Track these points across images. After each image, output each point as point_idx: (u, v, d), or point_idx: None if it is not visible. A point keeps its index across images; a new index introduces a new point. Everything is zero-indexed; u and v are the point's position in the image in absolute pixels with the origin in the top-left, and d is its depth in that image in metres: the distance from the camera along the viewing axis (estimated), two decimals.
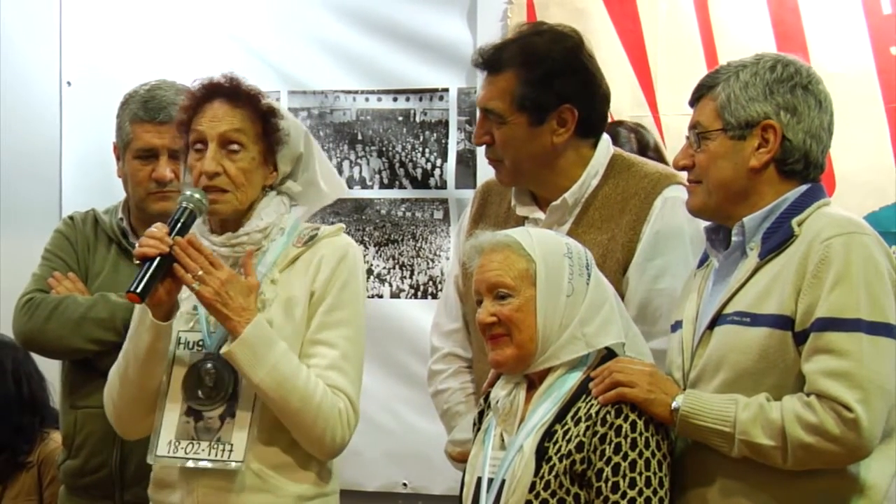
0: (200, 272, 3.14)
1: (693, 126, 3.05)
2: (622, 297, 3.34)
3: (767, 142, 2.98)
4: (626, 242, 3.36)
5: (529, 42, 3.40)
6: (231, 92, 3.26)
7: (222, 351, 3.17)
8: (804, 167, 3.00)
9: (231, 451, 3.18)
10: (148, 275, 3.13)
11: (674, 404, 2.92)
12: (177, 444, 3.22)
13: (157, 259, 3.13)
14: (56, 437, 4.48)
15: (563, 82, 3.36)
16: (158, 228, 3.18)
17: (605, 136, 3.49)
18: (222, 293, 3.14)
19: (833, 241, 2.86)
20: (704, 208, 3.05)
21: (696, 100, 3.07)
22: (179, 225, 3.18)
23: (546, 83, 3.35)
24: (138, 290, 3.12)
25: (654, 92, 4.65)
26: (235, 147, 3.23)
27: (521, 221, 3.45)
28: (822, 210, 2.96)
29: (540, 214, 3.45)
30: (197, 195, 3.21)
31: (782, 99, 2.98)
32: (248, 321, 3.14)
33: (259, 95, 3.28)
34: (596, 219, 3.39)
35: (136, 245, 3.19)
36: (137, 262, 3.16)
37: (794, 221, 2.94)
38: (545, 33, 3.43)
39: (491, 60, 3.41)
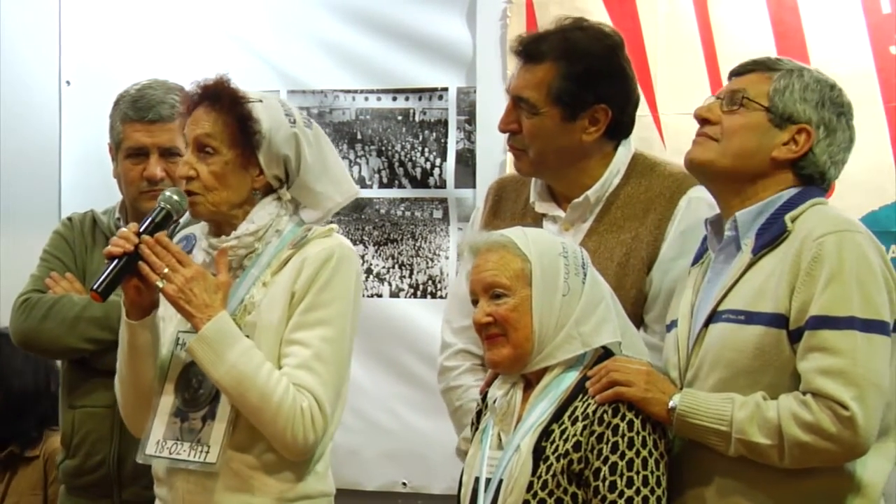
0: (166, 270, 3.15)
1: (735, 90, 3.04)
2: (645, 296, 3.34)
3: (797, 143, 3.00)
4: (650, 241, 3.35)
5: (572, 36, 3.38)
6: (212, 95, 3.26)
7: (186, 347, 3.18)
8: (815, 180, 3.02)
9: (207, 452, 3.19)
10: (111, 274, 3.14)
11: (670, 403, 2.93)
12: (163, 443, 3.24)
13: (123, 258, 3.14)
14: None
15: (601, 82, 3.35)
16: (129, 228, 3.20)
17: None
18: (185, 290, 3.14)
19: (826, 238, 2.87)
20: (708, 165, 3.04)
21: (745, 71, 3.08)
22: (153, 225, 3.19)
23: (585, 80, 3.33)
24: (99, 289, 3.13)
25: (653, 91, 4.64)
26: (208, 150, 3.24)
27: (539, 218, 3.45)
28: (815, 208, 2.97)
29: (559, 212, 3.44)
30: (175, 196, 3.22)
31: (828, 116, 3.02)
32: (210, 318, 3.14)
33: (240, 99, 3.27)
34: (619, 217, 3.39)
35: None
36: (106, 260, 3.17)
37: (788, 217, 2.95)
38: (588, 29, 3.42)
39: (530, 49, 3.38)
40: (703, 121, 3.07)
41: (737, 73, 3.10)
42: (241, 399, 3.15)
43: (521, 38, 3.44)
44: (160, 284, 3.15)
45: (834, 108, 3.03)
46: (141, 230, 3.18)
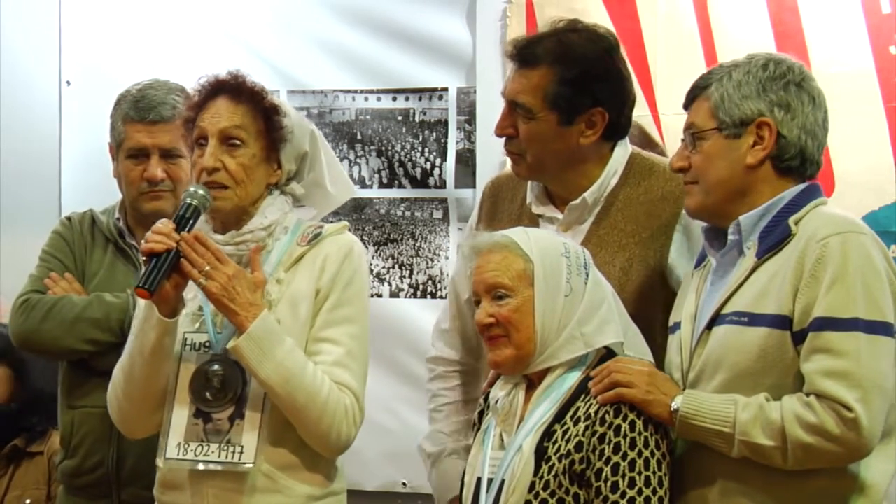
0: (207, 267, 3.14)
1: (688, 127, 3.06)
2: (650, 300, 3.32)
3: (763, 139, 2.98)
4: (657, 248, 3.33)
5: (566, 39, 3.35)
6: (234, 88, 3.26)
7: (229, 346, 3.16)
8: (801, 163, 3.00)
9: (242, 452, 3.17)
10: (156, 270, 3.12)
11: (673, 405, 2.92)
12: (186, 446, 3.21)
13: (164, 254, 3.13)
14: None
15: (597, 85, 3.32)
16: (164, 224, 3.18)
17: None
18: (229, 288, 3.14)
19: (830, 240, 2.86)
20: (703, 208, 3.05)
21: (690, 102, 3.08)
22: (184, 220, 3.18)
23: (581, 84, 3.31)
24: (147, 286, 3.11)
25: (653, 91, 4.64)
26: (236, 143, 3.23)
27: (536, 219, 3.43)
28: (818, 209, 2.96)
29: (557, 214, 3.42)
30: (201, 191, 3.21)
31: (776, 96, 2.99)
32: (256, 316, 3.13)
33: (262, 92, 3.28)
34: (619, 220, 3.37)
35: (143, 241, 3.19)
36: (144, 258, 3.16)
37: (791, 220, 2.94)
38: (582, 31, 3.39)
39: (525, 54, 3.36)
40: (679, 170, 3.07)
41: (686, 105, 3.09)
42: (289, 398, 3.14)
43: (516, 41, 3.42)
44: (203, 282, 3.14)
45: (777, 84, 2.99)
46: (176, 227, 3.16)
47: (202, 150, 3.25)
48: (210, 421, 3.22)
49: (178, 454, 3.22)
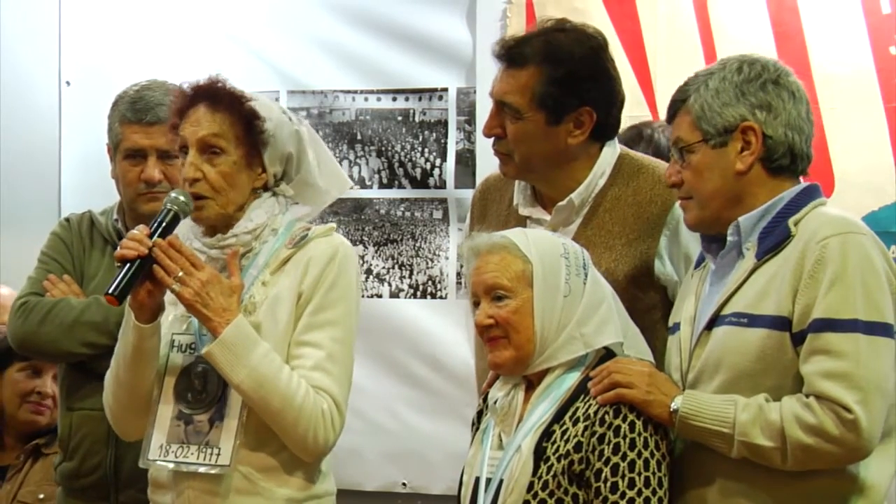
0: (181, 273, 3.13)
1: (675, 142, 3.04)
2: (641, 304, 3.32)
3: (749, 143, 2.97)
4: (644, 250, 3.33)
5: (554, 39, 3.34)
6: (212, 95, 3.24)
7: (202, 351, 3.16)
8: (791, 161, 3.00)
9: (218, 454, 3.17)
10: (126, 277, 3.12)
11: (673, 405, 2.92)
12: (167, 447, 3.22)
13: (137, 261, 3.13)
14: None
15: (585, 85, 3.31)
16: (140, 230, 3.18)
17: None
18: (202, 294, 3.13)
19: (829, 241, 2.85)
20: (701, 221, 3.04)
21: (671, 116, 3.06)
22: (162, 227, 3.18)
23: (569, 84, 3.30)
24: (115, 293, 3.11)
25: (653, 92, 4.64)
26: (216, 151, 3.22)
27: (523, 221, 3.42)
28: (818, 210, 2.96)
29: (544, 215, 3.42)
30: (182, 197, 3.21)
31: (755, 98, 2.97)
32: (229, 321, 3.12)
33: (241, 98, 3.26)
34: (606, 220, 3.37)
35: (118, 247, 3.19)
36: (118, 264, 3.16)
37: (791, 221, 2.93)
38: (570, 32, 3.38)
39: (513, 53, 3.35)
40: (674, 185, 3.06)
41: (669, 120, 3.08)
42: (263, 403, 3.14)
43: (504, 41, 3.40)
44: (176, 288, 3.14)
45: (754, 85, 2.97)
46: (151, 233, 3.17)
47: (185, 159, 3.25)
48: (191, 422, 3.22)
49: (159, 455, 3.23)
